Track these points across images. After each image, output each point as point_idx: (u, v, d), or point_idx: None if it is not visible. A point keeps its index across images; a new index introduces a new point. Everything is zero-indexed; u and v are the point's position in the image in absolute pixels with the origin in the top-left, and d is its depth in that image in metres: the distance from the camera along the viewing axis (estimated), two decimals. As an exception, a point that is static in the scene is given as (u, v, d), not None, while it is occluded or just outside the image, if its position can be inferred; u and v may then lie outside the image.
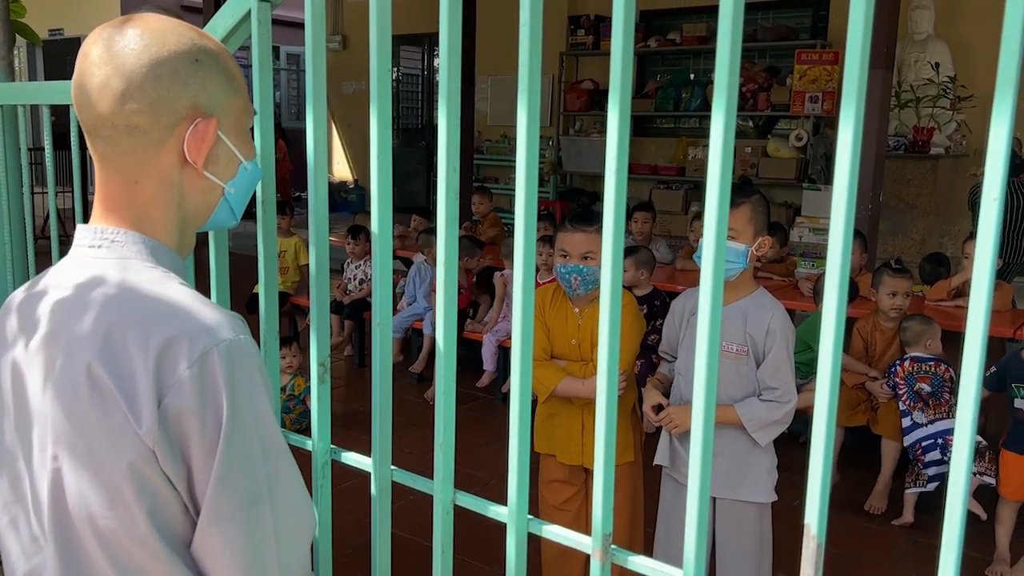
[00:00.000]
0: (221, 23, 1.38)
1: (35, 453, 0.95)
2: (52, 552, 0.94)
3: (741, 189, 2.34)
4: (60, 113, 2.03)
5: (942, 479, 3.42)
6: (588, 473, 2.58)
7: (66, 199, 8.97)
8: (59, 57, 13.13)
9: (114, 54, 0.95)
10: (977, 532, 3.38)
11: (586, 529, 1.09)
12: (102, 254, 0.98)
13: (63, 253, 0.97)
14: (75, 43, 13.19)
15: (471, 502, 1.18)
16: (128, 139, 0.96)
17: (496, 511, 1.15)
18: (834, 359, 0.82)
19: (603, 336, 0.98)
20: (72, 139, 1.97)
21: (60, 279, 0.99)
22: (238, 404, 0.90)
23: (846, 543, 3.40)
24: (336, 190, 11.42)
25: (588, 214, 2.56)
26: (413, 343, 5.47)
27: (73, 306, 0.95)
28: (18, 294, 1.04)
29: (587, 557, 2.86)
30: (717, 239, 0.87)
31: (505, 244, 5.10)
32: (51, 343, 0.95)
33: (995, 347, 4.15)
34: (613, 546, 1.03)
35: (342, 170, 12.04)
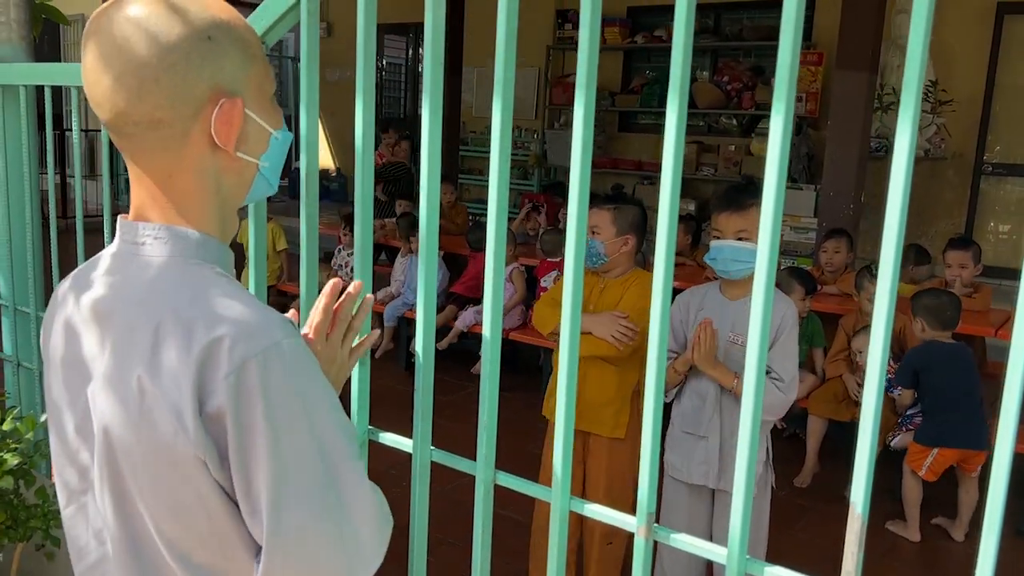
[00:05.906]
0: (271, 10, 1.39)
1: (96, 464, 0.94)
2: (120, 547, 0.95)
3: (747, 191, 2.40)
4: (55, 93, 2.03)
5: None
6: (586, 436, 2.61)
7: (43, 180, 8.89)
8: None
9: (120, 46, 0.90)
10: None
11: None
12: (145, 251, 0.95)
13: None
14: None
15: (513, 482, 1.23)
16: (153, 133, 0.92)
17: (538, 490, 1.20)
18: (883, 351, 0.88)
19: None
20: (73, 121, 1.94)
21: (107, 276, 0.97)
22: (278, 417, 0.86)
23: (829, 532, 3.50)
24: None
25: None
26: (403, 332, 5.53)
27: (122, 309, 0.93)
28: (65, 290, 1.01)
29: (580, 528, 2.85)
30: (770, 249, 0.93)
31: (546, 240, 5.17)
32: (103, 348, 0.93)
33: (977, 345, 4.29)
34: (656, 524, 1.08)
35: (325, 159, 11.98)
